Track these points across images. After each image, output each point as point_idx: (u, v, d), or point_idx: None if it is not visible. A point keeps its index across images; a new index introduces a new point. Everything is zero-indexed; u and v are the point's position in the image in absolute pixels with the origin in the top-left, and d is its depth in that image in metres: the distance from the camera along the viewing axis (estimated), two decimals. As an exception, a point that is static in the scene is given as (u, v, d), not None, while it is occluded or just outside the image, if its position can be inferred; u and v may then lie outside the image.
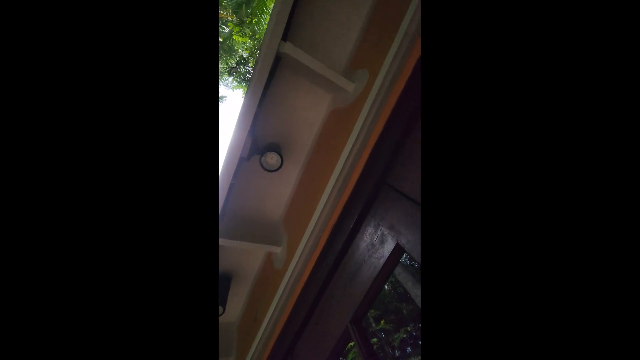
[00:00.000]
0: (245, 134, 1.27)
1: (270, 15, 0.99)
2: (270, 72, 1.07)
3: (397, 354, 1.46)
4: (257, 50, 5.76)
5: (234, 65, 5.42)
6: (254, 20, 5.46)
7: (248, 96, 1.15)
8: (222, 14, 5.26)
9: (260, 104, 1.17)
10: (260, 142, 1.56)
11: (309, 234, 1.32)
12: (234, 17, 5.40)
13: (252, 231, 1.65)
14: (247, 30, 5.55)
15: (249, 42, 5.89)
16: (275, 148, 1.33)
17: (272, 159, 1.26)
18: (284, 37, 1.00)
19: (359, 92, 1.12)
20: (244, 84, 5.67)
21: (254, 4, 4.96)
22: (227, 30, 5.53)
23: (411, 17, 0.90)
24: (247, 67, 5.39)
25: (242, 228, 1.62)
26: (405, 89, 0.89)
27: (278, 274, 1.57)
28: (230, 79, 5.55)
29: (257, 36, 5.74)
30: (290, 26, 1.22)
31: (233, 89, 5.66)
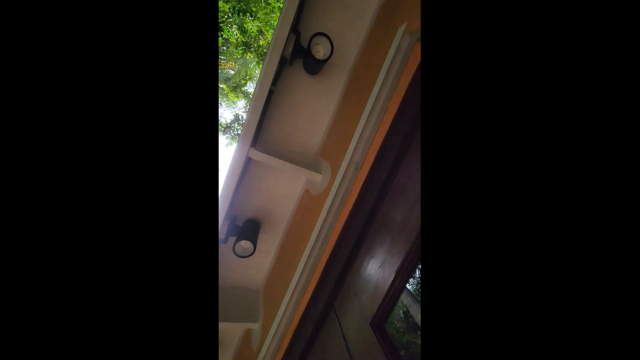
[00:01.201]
0: (223, 217, 1.35)
1: (243, 125, 1.16)
2: (243, 166, 1.20)
3: None
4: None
5: (228, 123, 5.90)
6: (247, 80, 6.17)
7: (226, 184, 1.26)
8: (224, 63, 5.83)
9: (238, 185, 1.28)
10: (239, 219, 1.64)
11: (282, 313, 1.30)
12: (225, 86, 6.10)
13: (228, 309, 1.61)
14: (240, 94, 6.22)
15: (244, 101, 6.51)
16: (250, 235, 1.40)
17: (246, 244, 1.31)
18: (253, 144, 1.16)
19: (325, 185, 1.23)
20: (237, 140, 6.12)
21: (244, 72, 5.66)
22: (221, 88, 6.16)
23: (365, 120, 1.04)
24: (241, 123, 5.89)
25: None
26: (362, 189, 0.98)
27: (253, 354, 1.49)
28: (225, 137, 5.99)
29: (250, 94, 6.42)
30: (261, 129, 1.40)
31: (227, 146, 6.06)
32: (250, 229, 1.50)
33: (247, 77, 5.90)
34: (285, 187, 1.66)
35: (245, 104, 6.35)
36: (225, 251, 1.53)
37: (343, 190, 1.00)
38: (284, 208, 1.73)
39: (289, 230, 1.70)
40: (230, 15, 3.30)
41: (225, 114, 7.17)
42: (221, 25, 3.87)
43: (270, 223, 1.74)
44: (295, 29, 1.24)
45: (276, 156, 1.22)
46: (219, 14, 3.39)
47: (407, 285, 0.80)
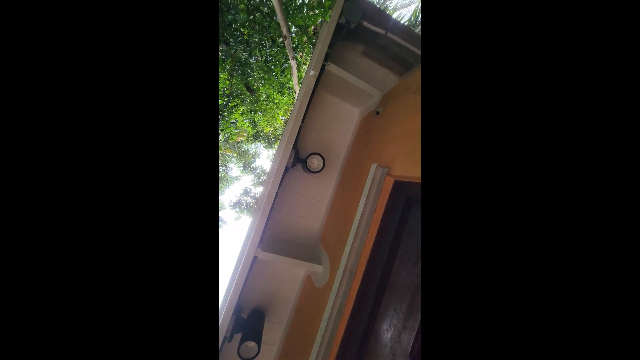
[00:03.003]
0: (231, 314, 1.40)
1: (249, 228, 1.34)
2: (251, 264, 1.33)
3: None
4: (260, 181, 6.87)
5: (238, 197, 6.34)
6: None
7: (234, 283, 1.36)
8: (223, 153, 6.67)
9: (245, 282, 1.37)
10: (245, 310, 1.66)
11: None
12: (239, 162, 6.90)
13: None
14: (249, 171, 6.94)
15: (252, 175, 7.15)
16: (255, 332, 1.42)
17: (250, 344, 1.32)
18: (260, 244, 1.32)
19: (325, 279, 1.32)
20: (247, 213, 6.43)
21: (253, 151, 6.47)
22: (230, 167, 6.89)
23: (354, 236, 1.21)
24: (249, 197, 6.32)
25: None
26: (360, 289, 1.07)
27: None
28: (234, 211, 6.34)
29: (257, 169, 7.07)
30: (266, 228, 1.59)
31: (235, 220, 6.35)
32: (255, 323, 1.51)
33: (255, 155, 6.69)
34: (288, 275, 1.74)
35: (253, 178, 6.96)
36: (229, 351, 1.50)
37: (342, 290, 1.09)
38: (288, 294, 1.76)
39: (294, 320, 1.68)
40: (245, 116, 4.12)
41: (234, 188, 7.77)
42: (237, 117, 4.66)
43: (275, 311, 1.74)
44: (295, 145, 1.57)
45: (281, 254, 1.36)
46: (237, 115, 4.20)
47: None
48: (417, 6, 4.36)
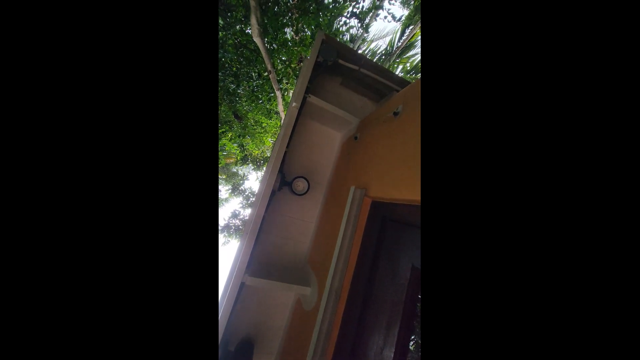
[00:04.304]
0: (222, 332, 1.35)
1: (236, 255, 1.35)
2: (238, 291, 1.32)
3: None
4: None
5: (227, 221, 6.23)
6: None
7: (221, 313, 1.33)
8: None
9: (232, 311, 1.34)
10: (232, 342, 1.60)
11: None
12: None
13: None
14: (238, 194, 6.92)
15: (241, 197, 7.11)
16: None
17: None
18: (247, 270, 1.32)
19: (314, 301, 1.33)
20: (235, 237, 6.29)
21: (242, 174, 6.55)
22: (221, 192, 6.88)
23: (337, 258, 1.25)
24: (238, 221, 6.23)
25: None
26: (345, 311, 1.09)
27: None
28: (222, 235, 6.19)
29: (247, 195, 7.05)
30: (253, 254, 1.60)
31: (224, 245, 6.19)
32: (243, 356, 1.45)
33: (244, 177, 6.73)
34: (278, 299, 1.72)
35: (242, 200, 6.91)
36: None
37: (329, 312, 1.10)
38: (278, 321, 1.72)
39: (285, 348, 1.63)
40: (234, 141, 4.24)
41: (223, 212, 7.65)
42: (226, 142, 4.74)
43: (265, 340, 1.68)
44: (281, 170, 1.65)
45: (269, 278, 1.36)
46: (226, 141, 4.31)
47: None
48: (392, 37, 4.83)
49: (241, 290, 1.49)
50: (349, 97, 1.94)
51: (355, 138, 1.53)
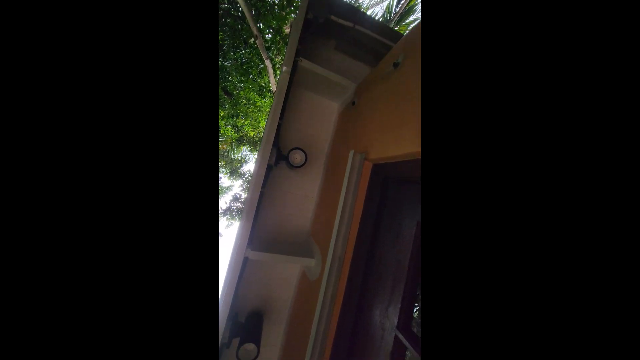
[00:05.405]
0: (225, 320, 1.38)
1: (238, 230, 1.33)
2: (242, 266, 1.32)
3: None
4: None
5: (228, 204, 6.26)
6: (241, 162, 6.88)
7: (225, 287, 1.35)
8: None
9: (238, 285, 1.36)
10: (242, 314, 1.65)
11: None
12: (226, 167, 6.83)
13: None
14: (237, 177, 6.87)
15: (241, 181, 7.08)
16: (254, 334, 1.41)
17: (249, 346, 1.31)
18: (249, 244, 1.31)
19: (318, 271, 1.34)
20: (238, 219, 6.36)
21: (239, 157, 6.42)
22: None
23: (339, 223, 1.24)
24: (239, 203, 6.25)
25: None
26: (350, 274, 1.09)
27: None
28: (225, 218, 6.25)
29: (245, 174, 7.00)
30: (255, 228, 1.59)
31: (227, 227, 6.27)
32: (253, 326, 1.50)
33: (242, 160, 6.62)
34: (284, 273, 1.74)
35: (242, 183, 6.88)
36: (229, 357, 1.48)
37: (333, 278, 1.11)
38: (285, 293, 1.76)
39: (293, 317, 1.68)
40: (225, 120, 4.08)
41: (225, 197, 7.67)
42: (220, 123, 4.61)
43: (273, 311, 1.74)
44: (276, 144, 1.58)
45: (271, 251, 1.36)
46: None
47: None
48: (390, 2, 4.46)
49: (245, 264, 1.49)
50: (345, 63, 1.82)
51: (353, 103, 1.45)
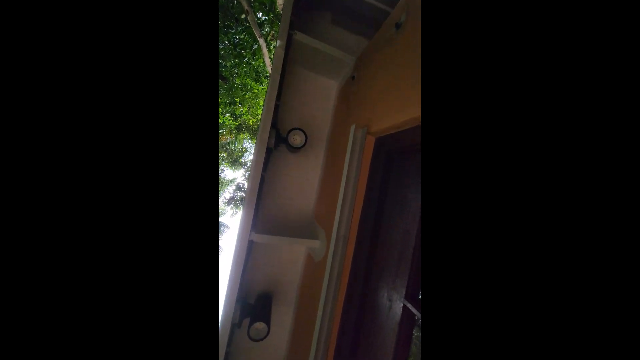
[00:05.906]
0: (234, 301, 1.40)
1: (241, 215, 1.32)
2: (247, 249, 1.32)
3: None
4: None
5: (232, 194, 6.29)
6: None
7: (232, 270, 1.36)
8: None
9: (245, 268, 1.37)
10: (251, 296, 1.68)
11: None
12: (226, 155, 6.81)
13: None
14: (239, 166, 6.84)
15: (243, 170, 7.07)
16: (264, 314, 1.44)
17: (260, 325, 1.34)
18: (253, 228, 1.30)
19: (323, 251, 1.33)
20: (241, 207, 6.43)
21: (239, 146, 6.37)
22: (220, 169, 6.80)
23: (342, 200, 1.21)
24: (243, 192, 6.28)
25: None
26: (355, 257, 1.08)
27: None
28: (229, 207, 6.30)
29: (247, 163, 6.98)
30: (258, 212, 1.57)
31: (232, 216, 6.33)
32: (262, 306, 1.52)
33: (243, 150, 6.57)
34: (290, 256, 1.75)
35: (244, 172, 6.88)
36: (240, 337, 1.52)
37: (339, 256, 1.10)
38: (292, 275, 1.78)
39: (300, 298, 1.71)
40: (223, 107, 3.99)
41: (229, 188, 7.72)
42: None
43: (282, 292, 1.76)
44: (274, 125, 1.53)
45: (276, 234, 1.35)
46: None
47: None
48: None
49: (251, 248, 1.49)
50: (343, 37, 1.72)
51: (353, 78, 1.38)
